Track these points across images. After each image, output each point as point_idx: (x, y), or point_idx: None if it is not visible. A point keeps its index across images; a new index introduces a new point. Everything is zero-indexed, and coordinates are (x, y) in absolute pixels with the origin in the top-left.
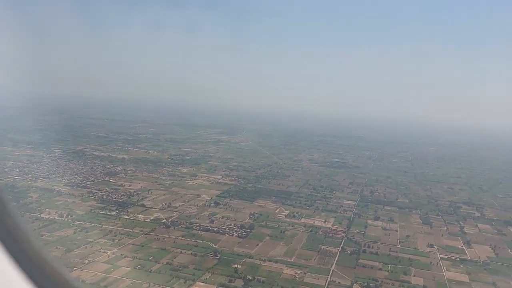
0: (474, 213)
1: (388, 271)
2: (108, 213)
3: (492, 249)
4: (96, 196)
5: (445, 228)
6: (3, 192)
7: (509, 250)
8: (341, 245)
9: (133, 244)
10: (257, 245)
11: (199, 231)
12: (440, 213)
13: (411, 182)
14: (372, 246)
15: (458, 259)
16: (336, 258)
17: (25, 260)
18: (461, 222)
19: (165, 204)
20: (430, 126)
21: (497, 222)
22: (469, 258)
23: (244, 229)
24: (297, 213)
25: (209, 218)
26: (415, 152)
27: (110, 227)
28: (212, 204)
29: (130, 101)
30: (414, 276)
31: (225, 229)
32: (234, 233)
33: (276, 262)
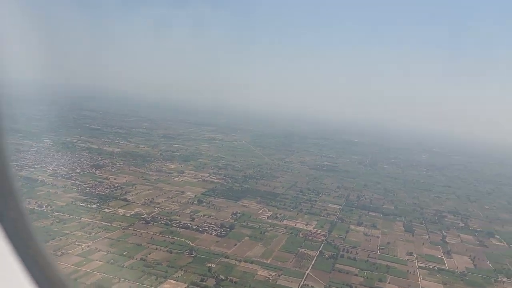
0: (458, 223)
1: (363, 277)
2: (89, 205)
3: (471, 260)
4: (79, 188)
5: (427, 236)
6: (15, 184)
7: (488, 262)
8: (320, 249)
9: (109, 238)
10: (235, 245)
11: (178, 228)
12: (424, 222)
13: (399, 189)
14: (351, 251)
15: (436, 268)
16: (313, 261)
17: (26, 254)
18: (444, 232)
19: (148, 199)
20: (429, 135)
21: (480, 233)
22: (447, 268)
23: (224, 228)
24: (280, 214)
25: (190, 216)
26: (408, 159)
27: (88, 220)
28: (195, 202)
29: (133, 96)
30: (389, 283)
31: (205, 227)
32: (214, 232)
33: (252, 263)
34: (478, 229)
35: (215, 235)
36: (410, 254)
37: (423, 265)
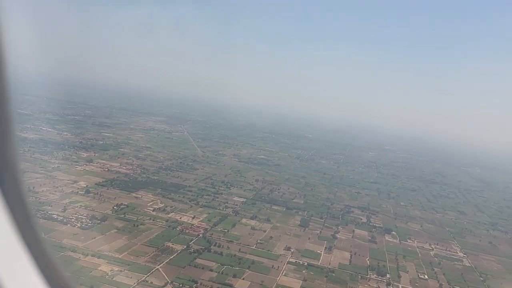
0: (361, 219)
1: (219, 272)
2: None
3: (351, 256)
4: None
5: (319, 231)
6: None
7: (367, 258)
8: (190, 243)
9: None
10: (94, 238)
11: (39, 219)
12: (325, 216)
13: (322, 184)
14: (224, 246)
15: (305, 264)
16: (173, 256)
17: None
18: (340, 227)
19: (28, 187)
20: (402, 136)
21: (378, 229)
22: (318, 264)
23: (94, 221)
24: (171, 207)
25: (64, 207)
26: (351, 155)
27: None
28: (81, 192)
29: (114, 86)
30: (243, 279)
31: (71, 219)
32: (79, 224)
33: (99, 257)
34: (378, 225)
35: (78, 227)
36: (288, 249)
37: (294, 261)
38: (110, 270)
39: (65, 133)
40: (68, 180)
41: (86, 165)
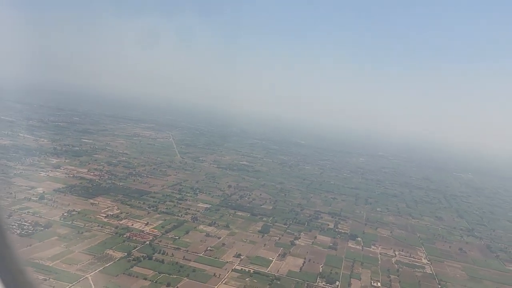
0: (328, 225)
1: (153, 281)
2: None
3: (303, 263)
4: None
5: (278, 238)
6: None
7: (321, 265)
8: (132, 250)
9: None
10: (31, 245)
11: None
12: (290, 222)
13: (298, 190)
14: (168, 253)
15: (252, 271)
16: (109, 264)
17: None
18: (302, 233)
19: None
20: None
21: (343, 235)
22: (266, 271)
23: (37, 227)
24: (127, 213)
25: (11, 213)
26: (339, 161)
27: None
28: (35, 198)
29: (114, 95)
30: None
31: (13, 225)
32: (19, 231)
33: (28, 265)
34: (344, 231)
35: (17, 234)
36: (238, 256)
37: (240, 268)
38: (36, 278)
39: (42, 139)
40: (26, 186)
41: (52, 171)
